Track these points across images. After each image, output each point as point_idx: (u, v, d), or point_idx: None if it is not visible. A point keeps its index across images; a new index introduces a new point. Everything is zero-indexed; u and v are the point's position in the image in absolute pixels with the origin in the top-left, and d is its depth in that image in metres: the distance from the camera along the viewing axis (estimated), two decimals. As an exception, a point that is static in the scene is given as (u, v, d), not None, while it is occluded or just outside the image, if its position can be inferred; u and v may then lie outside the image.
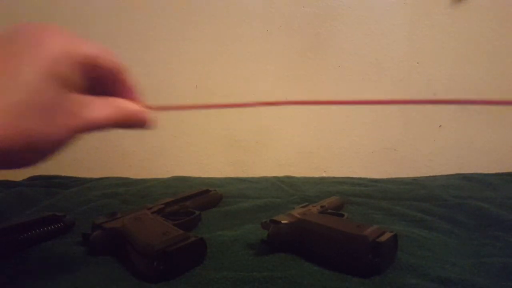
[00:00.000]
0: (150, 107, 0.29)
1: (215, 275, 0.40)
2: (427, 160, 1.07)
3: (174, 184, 0.84)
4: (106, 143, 1.05)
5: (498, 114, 1.05)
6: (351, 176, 0.96)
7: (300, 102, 0.30)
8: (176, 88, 1.03)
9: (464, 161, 1.06)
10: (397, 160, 1.07)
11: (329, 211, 0.56)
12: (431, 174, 0.97)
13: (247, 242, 0.49)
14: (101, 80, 0.27)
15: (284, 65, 1.03)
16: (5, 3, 0.98)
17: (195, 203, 0.63)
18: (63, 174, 0.94)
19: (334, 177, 0.94)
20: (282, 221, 0.47)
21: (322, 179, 0.90)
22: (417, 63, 1.03)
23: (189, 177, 0.92)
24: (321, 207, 0.56)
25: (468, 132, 1.06)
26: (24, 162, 0.23)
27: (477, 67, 1.03)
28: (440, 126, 1.06)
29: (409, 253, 0.45)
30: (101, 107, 0.26)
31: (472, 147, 1.06)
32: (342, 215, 0.53)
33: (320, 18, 1.01)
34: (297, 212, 0.50)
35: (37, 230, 0.50)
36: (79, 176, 0.93)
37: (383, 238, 0.40)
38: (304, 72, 1.03)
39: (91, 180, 0.89)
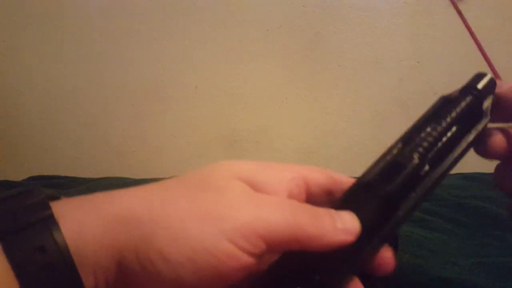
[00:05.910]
0: None
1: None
2: (427, 160, 1.06)
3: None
4: (106, 143, 1.04)
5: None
6: (351, 176, 0.96)
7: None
8: (176, 88, 1.02)
9: (464, 161, 1.06)
10: (397, 160, 1.07)
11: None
12: (431, 174, 0.96)
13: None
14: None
15: (284, 65, 1.03)
16: (5, 2, 0.98)
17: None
18: (63, 174, 0.94)
19: (334, 177, 0.93)
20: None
21: (322, 179, 0.90)
22: (418, 62, 1.03)
23: (189, 177, 0.92)
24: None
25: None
26: None
27: (477, 66, 1.03)
28: (440, 125, 1.05)
29: (409, 253, 0.45)
30: None
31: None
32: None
33: (320, 18, 1.01)
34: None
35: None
36: (79, 176, 0.93)
37: (383, 238, 0.40)
38: (304, 71, 1.03)
39: (91, 180, 0.89)
